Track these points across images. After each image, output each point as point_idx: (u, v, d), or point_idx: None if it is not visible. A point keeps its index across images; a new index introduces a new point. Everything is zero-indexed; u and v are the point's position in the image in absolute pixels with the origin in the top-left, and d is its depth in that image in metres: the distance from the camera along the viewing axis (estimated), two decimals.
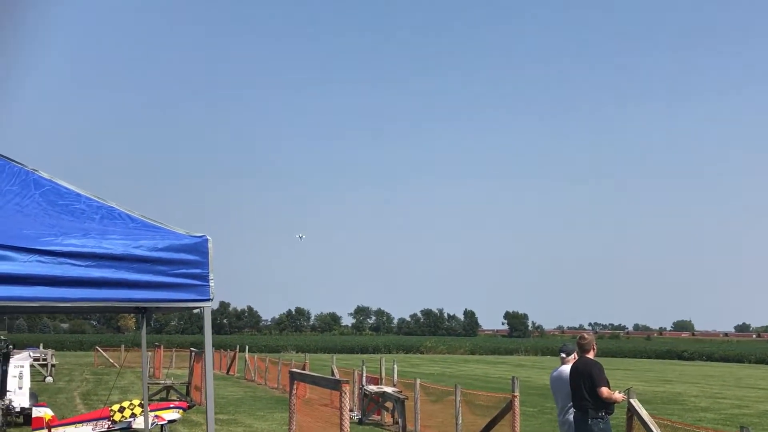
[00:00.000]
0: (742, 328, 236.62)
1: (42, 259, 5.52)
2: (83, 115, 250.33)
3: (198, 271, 6.07)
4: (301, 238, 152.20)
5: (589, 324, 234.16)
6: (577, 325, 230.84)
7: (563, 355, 11.45)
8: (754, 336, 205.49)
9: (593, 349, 10.78)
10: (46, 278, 5.54)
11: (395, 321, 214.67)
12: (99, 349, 57.88)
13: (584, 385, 10.33)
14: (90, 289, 5.65)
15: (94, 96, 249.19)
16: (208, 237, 6.17)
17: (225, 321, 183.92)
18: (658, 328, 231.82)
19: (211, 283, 6.12)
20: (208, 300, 6.12)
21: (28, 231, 5.69)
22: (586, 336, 10.93)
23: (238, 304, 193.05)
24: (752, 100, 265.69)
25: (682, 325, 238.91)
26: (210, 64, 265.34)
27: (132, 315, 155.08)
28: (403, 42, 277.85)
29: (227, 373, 45.60)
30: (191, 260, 6.05)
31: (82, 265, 5.62)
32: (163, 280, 5.91)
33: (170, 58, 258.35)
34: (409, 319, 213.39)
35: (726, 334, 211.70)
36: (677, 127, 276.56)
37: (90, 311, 7.98)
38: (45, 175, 6.60)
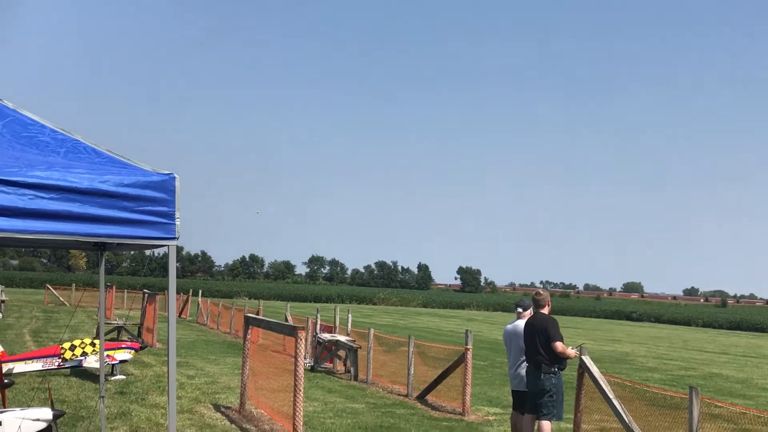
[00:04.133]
0: (691, 292, 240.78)
1: (4, 189, 5.37)
2: (50, 41, 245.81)
3: (164, 209, 5.97)
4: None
5: (541, 282, 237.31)
6: (528, 283, 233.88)
7: (519, 309, 11.54)
8: (702, 300, 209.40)
9: (548, 305, 10.90)
10: (8, 209, 5.40)
11: (349, 272, 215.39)
12: (50, 287, 57.37)
13: (539, 340, 10.44)
14: (54, 222, 5.52)
15: (60, 23, 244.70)
16: (176, 175, 6.07)
17: (178, 264, 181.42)
18: (608, 288, 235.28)
19: (177, 222, 6.03)
20: (174, 238, 6.04)
21: None
22: (542, 292, 11.04)
23: (191, 248, 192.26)
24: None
25: (631, 287, 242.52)
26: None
27: (83, 254, 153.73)
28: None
29: (179, 316, 45.46)
30: (158, 198, 5.94)
31: (46, 198, 5.49)
32: (128, 216, 5.80)
33: None
34: (362, 270, 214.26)
35: (674, 298, 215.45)
36: (628, 99, 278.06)
37: (52, 245, 7.84)
38: (9, 104, 6.43)
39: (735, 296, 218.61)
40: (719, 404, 12.42)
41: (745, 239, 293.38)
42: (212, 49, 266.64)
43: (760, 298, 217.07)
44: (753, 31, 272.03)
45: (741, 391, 22.52)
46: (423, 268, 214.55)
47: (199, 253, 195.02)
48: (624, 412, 10.97)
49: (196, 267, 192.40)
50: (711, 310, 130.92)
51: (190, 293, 48.78)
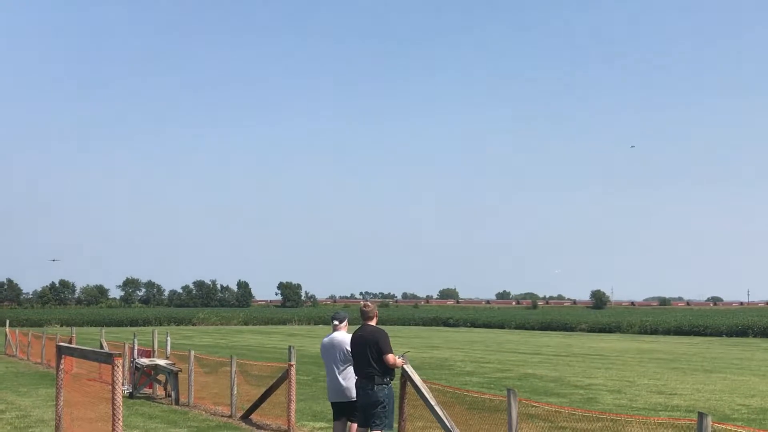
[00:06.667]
0: (503, 296, 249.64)
1: None
2: None
3: None
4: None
5: (360, 293, 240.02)
6: (348, 295, 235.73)
7: (336, 322, 11.64)
8: (513, 303, 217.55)
9: (376, 316, 11.07)
10: None
11: (166, 293, 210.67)
12: None
13: (371, 353, 10.57)
14: None
15: None
16: None
17: None
18: (425, 296, 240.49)
19: None
20: None
21: None
22: (369, 304, 11.24)
23: None
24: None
25: (447, 294, 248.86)
26: None
27: None
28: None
29: None
30: None
31: None
32: None
33: None
34: (180, 290, 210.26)
35: (488, 302, 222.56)
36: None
37: None
38: None
39: (544, 298, 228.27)
40: (535, 404, 12.88)
41: (550, 243, 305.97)
42: None
43: (568, 299, 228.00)
44: None
45: (555, 389, 23.41)
46: (243, 286, 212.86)
47: (5, 281, 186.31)
48: (446, 418, 11.22)
49: (2, 296, 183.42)
50: (522, 313, 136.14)
51: None
